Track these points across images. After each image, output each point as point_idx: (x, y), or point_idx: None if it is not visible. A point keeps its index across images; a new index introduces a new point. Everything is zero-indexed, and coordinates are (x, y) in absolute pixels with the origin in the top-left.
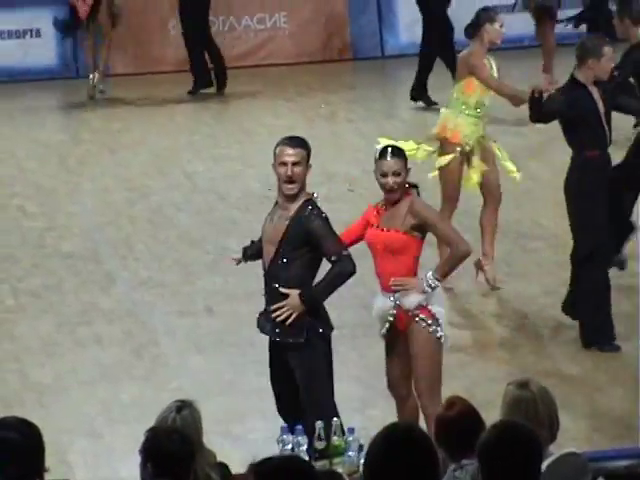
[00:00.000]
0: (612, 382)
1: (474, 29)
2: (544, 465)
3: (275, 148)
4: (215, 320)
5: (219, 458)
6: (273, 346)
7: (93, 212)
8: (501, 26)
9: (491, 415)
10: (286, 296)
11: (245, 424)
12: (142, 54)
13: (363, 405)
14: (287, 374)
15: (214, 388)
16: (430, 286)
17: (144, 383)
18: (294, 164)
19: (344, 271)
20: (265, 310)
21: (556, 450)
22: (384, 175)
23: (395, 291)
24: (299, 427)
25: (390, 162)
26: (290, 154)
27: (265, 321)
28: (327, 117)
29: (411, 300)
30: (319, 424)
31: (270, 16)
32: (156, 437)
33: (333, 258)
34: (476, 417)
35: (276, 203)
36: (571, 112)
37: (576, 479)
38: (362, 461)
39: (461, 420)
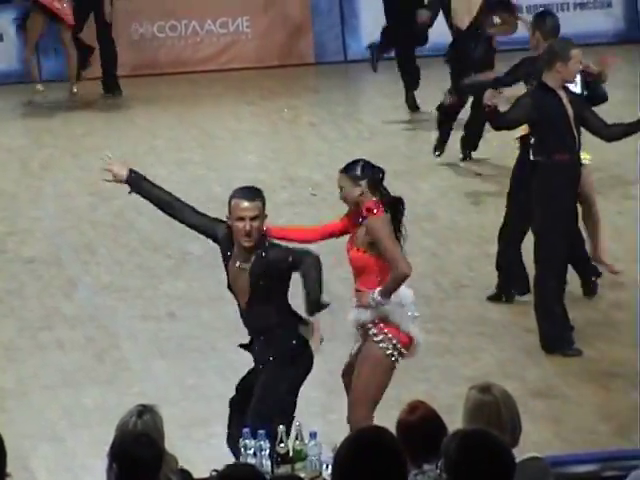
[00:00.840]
0: (574, 387)
1: None
2: None
3: (230, 199)
4: (177, 325)
5: (181, 463)
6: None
7: (55, 217)
8: None
9: (453, 419)
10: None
11: (207, 429)
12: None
13: (325, 410)
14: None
15: (176, 393)
16: (374, 300)
17: (106, 388)
18: (252, 219)
19: (316, 266)
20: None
21: (518, 455)
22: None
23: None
24: (261, 432)
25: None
26: (248, 208)
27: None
28: (290, 121)
29: (363, 314)
30: (281, 429)
31: (233, 20)
32: (124, 440)
33: (302, 271)
34: (438, 421)
35: (230, 250)
36: (539, 116)
37: None
38: (324, 466)
39: (423, 424)
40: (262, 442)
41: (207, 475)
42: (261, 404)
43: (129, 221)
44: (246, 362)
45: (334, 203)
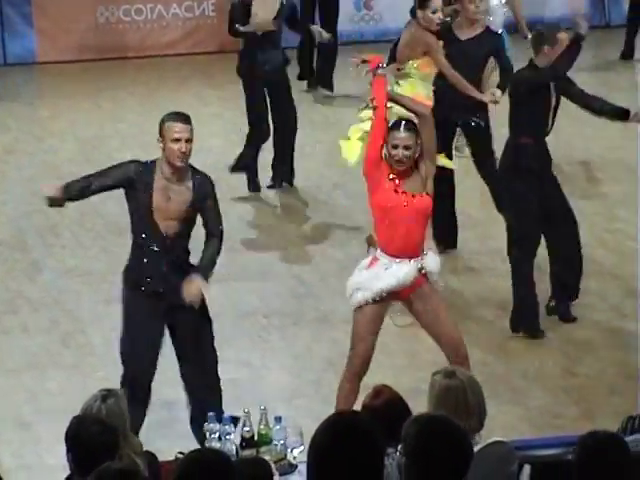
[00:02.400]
0: (538, 371)
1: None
2: None
3: (162, 123)
4: None
5: (146, 446)
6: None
7: (20, 200)
8: (434, 12)
9: (418, 403)
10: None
11: (171, 412)
12: (69, 41)
13: (291, 395)
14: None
15: None
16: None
17: (71, 372)
18: (187, 140)
19: (220, 249)
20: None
21: (482, 439)
22: (395, 147)
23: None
24: (226, 416)
25: (402, 135)
26: (183, 129)
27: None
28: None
29: (435, 261)
30: (246, 412)
31: (198, 4)
32: (78, 426)
33: (215, 233)
34: (402, 406)
35: (150, 177)
36: (532, 88)
37: (502, 468)
38: (289, 450)
39: (388, 409)
40: (227, 426)
41: (172, 458)
42: (211, 377)
43: (94, 205)
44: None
45: (298, 185)
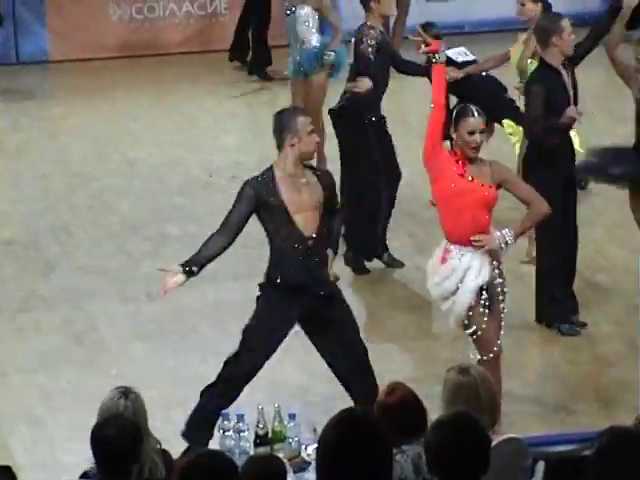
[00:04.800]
0: (553, 368)
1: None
2: None
3: (294, 121)
4: (156, 307)
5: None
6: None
7: (33, 198)
8: None
9: (432, 401)
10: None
11: (186, 411)
12: (82, 40)
13: (304, 391)
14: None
15: (155, 375)
16: (506, 243)
17: (84, 370)
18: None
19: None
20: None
21: (496, 435)
22: (472, 133)
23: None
24: (241, 414)
25: (477, 120)
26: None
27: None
28: (268, 103)
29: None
30: (260, 409)
31: (211, 2)
32: (106, 423)
33: (338, 207)
34: (417, 403)
35: (272, 182)
36: (550, 99)
37: (517, 464)
38: (303, 447)
39: (402, 406)
40: (241, 424)
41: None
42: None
43: (107, 203)
44: (225, 343)
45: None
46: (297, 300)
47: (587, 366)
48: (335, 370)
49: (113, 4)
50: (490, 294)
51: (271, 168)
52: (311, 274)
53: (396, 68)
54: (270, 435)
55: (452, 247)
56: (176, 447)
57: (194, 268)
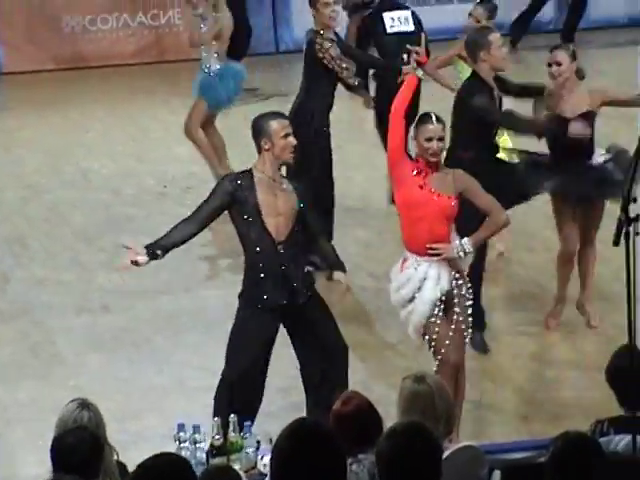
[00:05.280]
0: (506, 375)
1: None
2: None
3: (266, 124)
4: (112, 318)
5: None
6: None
7: None
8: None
9: (389, 410)
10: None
11: (142, 421)
12: (35, 52)
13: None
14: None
15: (111, 386)
16: (465, 252)
17: (41, 382)
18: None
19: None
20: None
21: (453, 443)
22: (429, 139)
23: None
24: (196, 424)
25: (435, 126)
26: (289, 125)
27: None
28: (222, 113)
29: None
30: (216, 421)
31: (164, 13)
32: (65, 435)
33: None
34: (372, 412)
35: (250, 182)
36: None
37: (473, 472)
38: (259, 457)
39: (357, 415)
40: (197, 435)
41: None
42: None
43: (62, 215)
44: (180, 354)
45: None
46: (277, 312)
47: (542, 374)
48: (305, 371)
49: (66, 16)
50: (449, 304)
51: (250, 170)
52: (289, 284)
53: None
54: (226, 446)
55: (409, 256)
56: (132, 458)
57: (158, 251)
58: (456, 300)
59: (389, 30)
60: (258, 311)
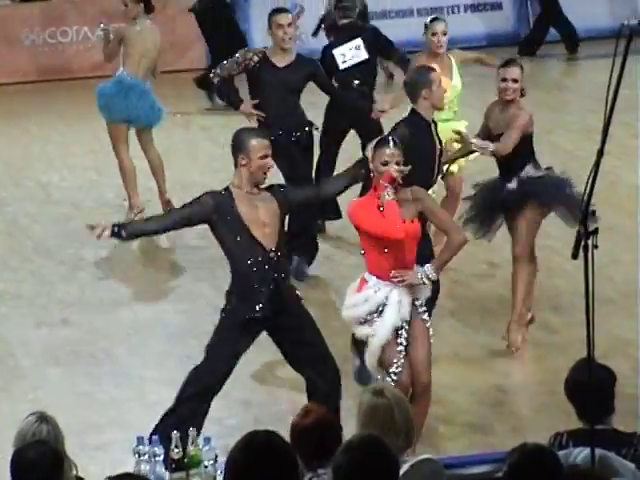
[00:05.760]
0: (465, 386)
1: None
2: (400, 472)
3: (246, 141)
4: (71, 331)
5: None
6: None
7: None
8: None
9: (348, 423)
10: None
11: (101, 435)
12: None
13: (220, 415)
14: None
15: (70, 400)
16: (428, 278)
17: (1, 395)
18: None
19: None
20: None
21: (412, 456)
22: (385, 164)
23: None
24: (155, 437)
25: (391, 151)
26: (269, 146)
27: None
28: (182, 125)
29: (425, 293)
30: (175, 434)
31: None
32: (25, 449)
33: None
34: (332, 425)
35: (230, 198)
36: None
37: None
38: (218, 472)
39: (317, 428)
40: (156, 448)
41: None
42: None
43: (22, 228)
44: (140, 368)
45: None
46: (261, 322)
47: (502, 387)
48: (301, 372)
49: (26, 29)
50: (410, 332)
51: (228, 187)
52: (281, 294)
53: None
54: (186, 460)
55: (370, 278)
56: (92, 472)
57: (123, 232)
58: (414, 325)
59: (342, 67)
60: (243, 324)
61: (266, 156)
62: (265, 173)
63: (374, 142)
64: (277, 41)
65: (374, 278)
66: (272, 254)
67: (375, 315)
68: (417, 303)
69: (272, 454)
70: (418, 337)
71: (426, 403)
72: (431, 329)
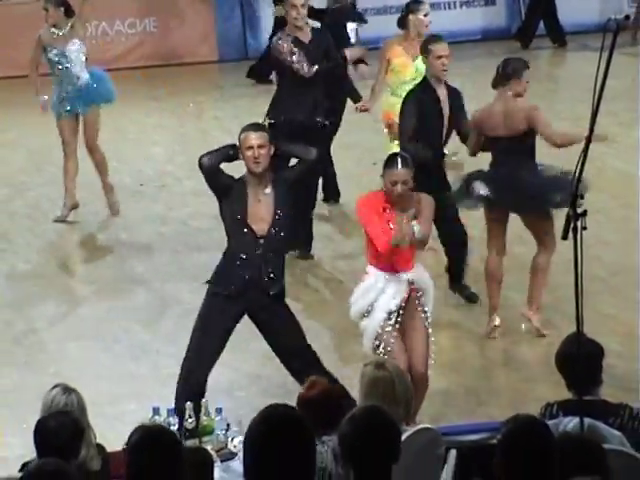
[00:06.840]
0: (463, 359)
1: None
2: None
3: (240, 136)
4: (90, 308)
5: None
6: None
7: None
8: (426, 15)
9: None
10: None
11: (119, 406)
12: (14, 58)
13: (230, 387)
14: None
15: (90, 373)
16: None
17: (24, 369)
18: (259, 147)
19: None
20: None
21: (411, 426)
22: (394, 183)
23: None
24: (170, 408)
25: (400, 172)
26: (254, 137)
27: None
28: (195, 115)
29: (426, 276)
30: (188, 405)
31: (140, 21)
32: (47, 419)
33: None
34: (336, 396)
35: (243, 186)
36: (419, 114)
37: (430, 452)
38: (229, 439)
39: (322, 400)
40: (171, 418)
41: (120, 448)
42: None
43: (44, 211)
44: (155, 344)
45: None
46: (242, 298)
47: (499, 360)
48: (285, 364)
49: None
50: (411, 324)
51: (242, 177)
52: (264, 270)
53: None
54: (198, 428)
55: (371, 270)
56: (109, 439)
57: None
58: (415, 317)
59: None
60: (224, 298)
61: (251, 147)
62: (254, 164)
63: (385, 160)
64: (291, 20)
65: (374, 269)
66: (262, 240)
67: (375, 303)
68: (419, 294)
69: (290, 427)
70: (418, 330)
71: (422, 391)
72: (430, 329)
